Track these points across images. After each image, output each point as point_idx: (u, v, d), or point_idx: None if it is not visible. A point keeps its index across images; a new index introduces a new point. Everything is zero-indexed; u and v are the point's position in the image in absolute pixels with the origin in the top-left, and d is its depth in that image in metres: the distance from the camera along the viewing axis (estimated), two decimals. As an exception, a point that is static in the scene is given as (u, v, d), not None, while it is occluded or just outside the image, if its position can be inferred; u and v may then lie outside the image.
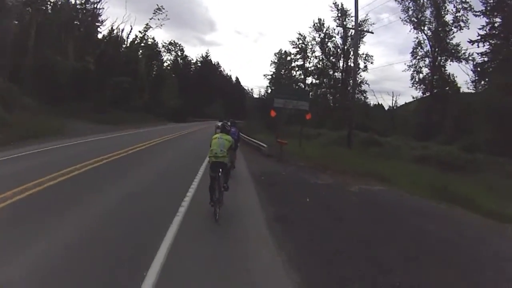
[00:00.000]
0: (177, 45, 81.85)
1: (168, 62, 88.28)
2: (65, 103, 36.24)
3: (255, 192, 12.38)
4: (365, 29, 54.04)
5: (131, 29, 64.46)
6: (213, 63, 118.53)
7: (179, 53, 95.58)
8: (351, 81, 63.84)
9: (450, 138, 38.02)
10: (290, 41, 71.87)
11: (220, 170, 8.24)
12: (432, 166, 25.16)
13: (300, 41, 71.44)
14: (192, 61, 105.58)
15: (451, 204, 12.47)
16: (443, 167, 24.32)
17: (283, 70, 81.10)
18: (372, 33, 48.82)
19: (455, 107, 43.07)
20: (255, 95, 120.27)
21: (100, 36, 51.08)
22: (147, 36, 60.14)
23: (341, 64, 66.08)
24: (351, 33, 62.88)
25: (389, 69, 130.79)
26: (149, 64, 67.43)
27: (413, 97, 55.97)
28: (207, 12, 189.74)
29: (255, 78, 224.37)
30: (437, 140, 38.90)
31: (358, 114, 50.22)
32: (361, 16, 61.11)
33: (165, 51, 78.59)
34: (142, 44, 59.09)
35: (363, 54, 63.09)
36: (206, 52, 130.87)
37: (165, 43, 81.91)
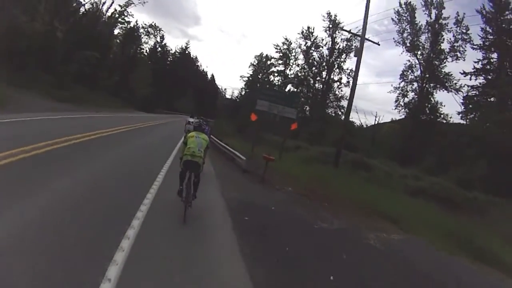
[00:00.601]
0: (158, 29, 74.94)
1: (146, 48, 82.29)
2: (23, 72, 30.81)
3: (239, 254, 6.60)
4: (364, 39, 51.18)
5: (112, 2, 55.95)
6: (192, 57, 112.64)
7: (159, 39, 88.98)
8: (330, 95, 62.11)
9: (435, 168, 35.40)
10: (274, 45, 67.77)
11: (192, 172, 7.86)
12: (429, 200, 21.86)
13: (285, 46, 67.42)
14: (170, 51, 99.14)
15: (488, 266, 10.20)
16: (443, 204, 21.55)
17: (260, 74, 77.80)
18: (379, 44, 44.61)
19: (442, 137, 41.07)
20: (228, 96, 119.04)
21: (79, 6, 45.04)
22: (127, 12, 53.88)
23: (323, 76, 63.32)
24: (340, 46, 61.63)
25: (363, 89, 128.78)
26: (123, 43, 62.20)
27: (392, 119, 54.90)
28: (194, 6, 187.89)
29: (230, 79, 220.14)
30: (420, 167, 36.19)
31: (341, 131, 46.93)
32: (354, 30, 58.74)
33: (144, 34, 71.99)
34: (120, 20, 52.83)
35: (347, 69, 62.20)
36: (186, 44, 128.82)
37: (145, 24, 73.75)
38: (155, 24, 69.20)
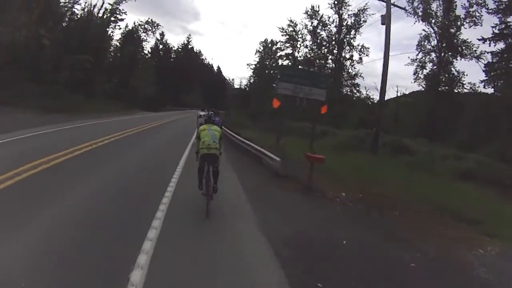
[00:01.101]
0: (155, 25, 68.22)
1: (148, 47, 79.09)
2: (10, 87, 27.90)
3: None
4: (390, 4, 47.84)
5: (103, 3, 47.71)
6: (195, 51, 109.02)
7: (159, 37, 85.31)
8: (344, 73, 58.32)
9: (468, 143, 32.21)
10: (279, 28, 63.01)
11: (211, 165, 7.56)
12: (482, 184, 18.02)
13: (291, 29, 62.89)
14: (173, 48, 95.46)
15: None
16: (499, 188, 17.58)
17: (268, 61, 73.36)
18: (406, 9, 40.24)
19: (468, 109, 38.46)
20: (236, 86, 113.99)
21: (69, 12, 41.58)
22: (120, 10, 48.81)
23: (334, 55, 59.01)
24: (348, 22, 57.13)
25: (370, 66, 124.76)
26: (122, 45, 59.05)
27: (403, 93, 49.85)
28: (192, 2, 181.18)
29: (237, 69, 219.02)
30: (451, 143, 33.25)
31: (363, 110, 43.76)
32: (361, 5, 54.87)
33: (141, 31, 67.18)
34: (112, 18, 48.26)
35: (358, 45, 56.99)
36: (188, 38, 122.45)
37: (141, 21, 67.85)
38: (151, 20, 64.66)
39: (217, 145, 7.59)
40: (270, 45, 73.01)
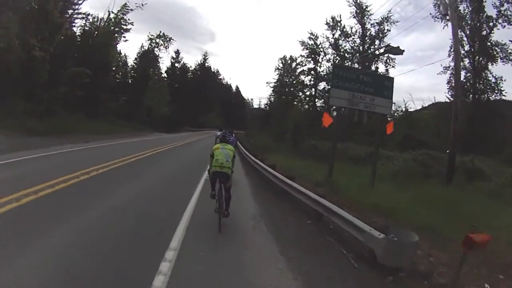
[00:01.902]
0: (168, 39, 60.42)
1: (163, 65, 73.87)
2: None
3: None
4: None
5: (109, 14, 41.69)
6: (212, 70, 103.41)
7: (174, 55, 79.79)
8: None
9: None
10: (299, 41, 56.91)
11: (222, 184, 7.39)
12: None
13: (312, 42, 56.84)
14: (190, 68, 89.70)
15: None
16: None
17: (287, 78, 67.74)
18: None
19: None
20: (255, 105, 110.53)
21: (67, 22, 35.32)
22: (125, 20, 41.91)
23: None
24: (371, 32, 51.43)
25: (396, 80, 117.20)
26: (139, 64, 53.80)
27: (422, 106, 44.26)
28: (207, 24, 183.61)
29: (255, 89, 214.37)
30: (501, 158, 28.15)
31: (403, 124, 37.08)
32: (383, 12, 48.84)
33: (152, 45, 59.93)
34: (117, 29, 41.15)
35: (383, 56, 49.21)
36: (204, 56, 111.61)
37: (152, 35, 60.03)
38: (163, 33, 59.01)
39: (230, 164, 7.48)
40: (289, 61, 67.54)
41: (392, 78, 14.94)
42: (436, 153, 23.14)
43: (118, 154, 16.52)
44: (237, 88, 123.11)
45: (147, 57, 57.09)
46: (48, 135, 21.85)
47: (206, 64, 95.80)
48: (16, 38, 26.81)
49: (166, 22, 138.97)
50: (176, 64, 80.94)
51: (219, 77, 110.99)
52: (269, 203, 10.23)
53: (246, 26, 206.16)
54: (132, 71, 53.25)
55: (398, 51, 14.53)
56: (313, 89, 58.76)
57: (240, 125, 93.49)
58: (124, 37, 40.47)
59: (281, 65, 69.18)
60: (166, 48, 60.07)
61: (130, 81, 50.42)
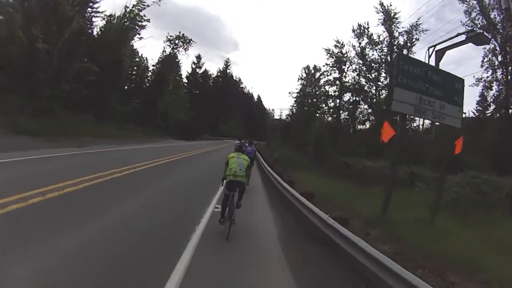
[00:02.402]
0: (187, 41, 55.35)
1: (183, 70, 70.80)
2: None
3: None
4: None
5: (125, 10, 38.55)
6: (234, 78, 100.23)
7: (195, 60, 76.71)
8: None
9: None
10: (325, 49, 53.07)
11: (237, 189, 7.24)
12: None
13: (337, 50, 53.06)
14: (212, 75, 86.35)
15: None
16: None
17: (310, 88, 63.95)
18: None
19: None
20: (276, 117, 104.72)
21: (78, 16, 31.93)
22: (141, 17, 38.18)
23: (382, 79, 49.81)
24: (399, 41, 47.24)
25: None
26: (160, 69, 50.70)
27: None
28: (231, 33, 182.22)
29: (276, 100, 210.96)
30: None
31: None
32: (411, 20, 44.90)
33: (170, 46, 55.53)
34: (132, 25, 37.43)
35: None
36: (226, 62, 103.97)
37: (171, 36, 55.19)
38: (183, 34, 55.10)
39: (243, 173, 7.29)
40: (313, 71, 63.81)
41: (463, 80, 10.80)
42: (486, 176, 19.11)
43: (106, 165, 12.69)
44: (258, 97, 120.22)
45: (168, 60, 54.39)
46: (41, 135, 18.73)
47: (228, 71, 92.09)
48: (19, 29, 23.90)
49: (189, 29, 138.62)
50: (197, 70, 77.81)
51: (241, 86, 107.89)
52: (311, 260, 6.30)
53: (270, 36, 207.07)
54: (151, 75, 50.32)
55: (484, 39, 10.43)
56: (338, 100, 54.68)
57: (260, 135, 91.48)
58: (139, 34, 37.20)
59: (304, 74, 65.50)
60: (185, 50, 55.68)
61: (147, 84, 47.24)
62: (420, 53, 60.80)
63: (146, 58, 51.35)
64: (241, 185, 7.22)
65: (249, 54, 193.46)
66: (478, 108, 37.47)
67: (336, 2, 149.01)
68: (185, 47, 53.86)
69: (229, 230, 6.73)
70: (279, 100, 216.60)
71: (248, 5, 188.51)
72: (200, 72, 78.59)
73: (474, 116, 37.41)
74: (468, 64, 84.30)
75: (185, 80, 68.50)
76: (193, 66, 76.53)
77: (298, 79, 65.44)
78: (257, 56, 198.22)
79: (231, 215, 6.94)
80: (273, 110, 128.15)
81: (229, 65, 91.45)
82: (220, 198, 8.04)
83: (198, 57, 77.99)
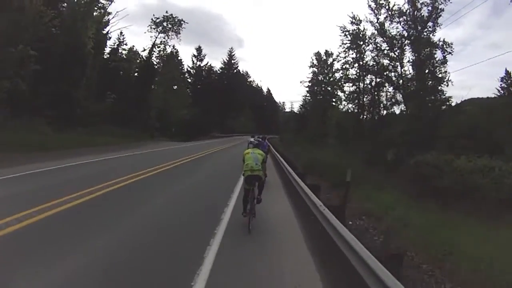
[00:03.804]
0: (177, 23, 43.52)
1: (186, 66, 62.18)
2: None
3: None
4: None
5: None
6: (241, 72, 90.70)
7: (195, 53, 67.43)
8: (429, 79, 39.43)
9: None
10: (340, 27, 43.87)
11: (256, 183, 7.42)
12: None
13: (355, 27, 43.58)
14: (216, 70, 76.74)
15: None
16: None
17: (322, 76, 55.44)
18: None
19: None
20: (287, 109, 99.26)
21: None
22: None
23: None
24: (423, 13, 38.66)
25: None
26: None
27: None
28: (234, 29, 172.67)
29: (286, 93, 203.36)
30: None
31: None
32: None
33: (156, 30, 43.41)
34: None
35: (439, 41, 38.14)
36: (229, 52, 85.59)
37: (156, 18, 44.05)
38: (171, 15, 43.94)
39: (260, 167, 7.36)
40: (324, 57, 55.12)
41: None
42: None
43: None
44: (268, 90, 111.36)
45: (171, 59, 46.20)
46: None
47: (233, 61, 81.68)
48: None
49: (192, 29, 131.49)
50: (198, 63, 68.90)
51: (249, 80, 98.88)
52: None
53: (274, 29, 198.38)
54: (138, 65, 40.55)
55: None
56: (359, 84, 45.83)
57: (272, 129, 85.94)
58: (105, 9, 28.02)
59: (315, 61, 56.49)
60: (177, 35, 44.63)
61: (131, 76, 38.21)
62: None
63: (136, 49, 42.66)
64: (259, 179, 7.38)
65: (255, 50, 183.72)
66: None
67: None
68: (175, 29, 43.32)
69: (249, 223, 6.81)
70: (288, 93, 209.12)
71: (249, 1, 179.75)
72: (202, 65, 69.39)
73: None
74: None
75: (186, 75, 59.84)
76: (194, 59, 67.62)
77: (310, 66, 56.81)
78: (263, 51, 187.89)
79: (252, 210, 7.08)
80: (283, 103, 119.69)
81: (233, 55, 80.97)
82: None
83: (199, 49, 68.67)
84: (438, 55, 37.84)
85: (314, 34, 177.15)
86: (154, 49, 41.82)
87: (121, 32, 39.29)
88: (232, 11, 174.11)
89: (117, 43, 39.04)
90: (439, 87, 36.47)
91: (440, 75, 36.91)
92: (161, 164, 14.97)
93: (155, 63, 41.82)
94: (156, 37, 42.60)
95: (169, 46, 44.52)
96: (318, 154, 23.26)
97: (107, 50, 36.56)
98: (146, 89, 37.13)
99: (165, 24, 42.63)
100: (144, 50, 41.98)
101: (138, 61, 39.41)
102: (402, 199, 11.79)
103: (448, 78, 35.76)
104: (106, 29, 33.17)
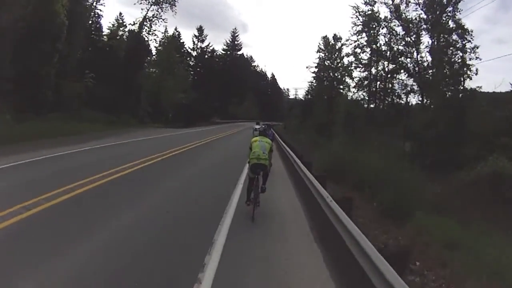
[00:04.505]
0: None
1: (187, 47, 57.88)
2: None
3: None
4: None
5: None
6: (245, 56, 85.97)
7: (197, 33, 62.67)
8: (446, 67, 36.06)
9: None
10: (352, 6, 39.96)
11: (261, 172, 7.04)
12: None
13: (369, 7, 39.91)
14: (218, 53, 72.20)
15: None
16: None
17: (329, 61, 51.11)
18: None
19: None
20: (291, 96, 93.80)
21: None
22: None
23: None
24: None
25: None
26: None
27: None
28: (239, 15, 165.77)
29: (290, 79, 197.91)
30: None
31: None
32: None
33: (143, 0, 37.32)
34: None
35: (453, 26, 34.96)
36: (233, 33, 79.09)
37: None
38: None
39: (266, 156, 7.05)
40: (333, 41, 50.61)
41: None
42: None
43: None
44: (272, 76, 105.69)
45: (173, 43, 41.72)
46: None
47: (236, 42, 76.93)
48: None
49: (196, 15, 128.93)
50: (200, 44, 64.37)
51: (253, 64, 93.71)
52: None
53: (279, 16, 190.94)
54: (126, 43, 34.58)
55: None
56: (372, 70, 42.57)
57: (276, 115, 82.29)
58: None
59: (322, 46, 51.85)
60: (171, 7, 38.35)
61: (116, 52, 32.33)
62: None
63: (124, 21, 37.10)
64: (265, 168, 7.08)
65: (259, 36, 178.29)
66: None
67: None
68: (170, 1, 37.20)
69: (253, 211, 6.62)
70: (293, 80, 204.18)
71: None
72: (203, 46, 64.81)
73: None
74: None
75: (185, 57, 55.51)
76: (195, 39, 63.10)
77: (317, 51, 52.58)
78: (267, 36, 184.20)
79: (256, 198, 6.83)
80: (287, 89, 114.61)
81: (237, 36, 76.19)
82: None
83: (200, 29, 63.84)
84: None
85: (320, 20, 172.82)
86: (145, 23, 36.12)
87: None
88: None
89: (100, 17, 33.21)
90: (464, 77, 32.98)
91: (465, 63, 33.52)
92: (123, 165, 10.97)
93: (147, 39, 36.62)
94: (148, 10, 36.76)
95: (163, 20, 38.36)
96: (335, 148, 18.52)
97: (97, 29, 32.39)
98: (135, 68, 32.57)
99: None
100: (134, 23, 36.42)
101: (125, 38, 34.19)
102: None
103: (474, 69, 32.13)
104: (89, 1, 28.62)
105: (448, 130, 22.07)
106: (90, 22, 31.92)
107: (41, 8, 18.54)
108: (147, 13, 36.27)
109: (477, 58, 32.36)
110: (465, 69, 32.79)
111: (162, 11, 37.50)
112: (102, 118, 24.85)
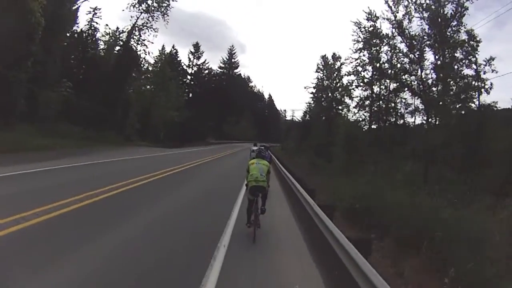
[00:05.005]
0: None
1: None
2: None
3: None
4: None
5: None
6: (243, 76, 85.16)
7: (193, 49, 61.76)
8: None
9: None
10: (354, 22, 38.48)
11: (260, 194, 7.08)
12: None
13: (371, 23, 38.25)
14: (216, 71, 71.19)
15: None
16: None
17: (328, 80, 50.49)
18: None
19: None
20: (288, 118, 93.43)
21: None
22: None
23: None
24: (446, 11, 33.60)
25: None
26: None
27: None
28: (237, 36, 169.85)
29: (287, 101, 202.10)
30: None
31: None
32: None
33: (138, 8, 34.40)
34: None
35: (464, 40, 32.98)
36: (230, 50, 78.40)
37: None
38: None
39: (264, 178, 7.08)
40: (332, 61, 49.90)
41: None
42: None
43: None
44: (270, 97, 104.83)
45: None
46: None
47: (233, 60, 75.81)
48: None
49: (195, 34, 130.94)
50: (195, 60, 62.93)
51: (250, 84, 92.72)
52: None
53: (277, 36, 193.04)
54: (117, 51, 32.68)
55: None
56: (375, 88, 41.01)
57: (274, 137, 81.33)
58: None
59: (321, 66, 51.25)
60: (163, 16, 35.17)
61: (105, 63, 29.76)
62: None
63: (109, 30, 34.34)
64: (263, 190, 7.14)
65: (257, 57, 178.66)
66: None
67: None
68: (162, 10, 34.17)
69: (254, 233, 6.65)
70: (290, 101, 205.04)
71: (252, 7, 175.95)
72: (199, 63, 63.42)
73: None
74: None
75: (178, 75, 53.82)
76: (191, 56, 61.71)
77: (316, 70, 51.38)
78: (265, 57, 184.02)
79: (256, 220, 6.92)
80: (284, 111, 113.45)
81: (234, 54, 75.19)
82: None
83: (196, 46, 62.83)
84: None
85: (317, 42, 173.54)
86: (134, 32, 33.16)
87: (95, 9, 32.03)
88: (235, 17, 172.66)
89: (97, 30, 31.65)
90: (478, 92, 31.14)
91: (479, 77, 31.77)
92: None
93: (136, 49, 33.53)
94: (138, 18, 33.88)
95: (153, 30, 34.84)
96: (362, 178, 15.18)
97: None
98: (123, 80, 29.88)
99: (150, 1, 33.91)
100: (123, 32, 33.74)
101: (115, 51, 31.97)
102: None
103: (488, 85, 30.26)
104: (77, 3, 26.25)
105: (467, 149, 19.85)
106: (85, 35, 30.42)
107: (14, 3, 16.27)
108: (136, 21, 33.60)
109: (493, 71, 30.54)
110: (479, 83, 30.85)
111: (153, 19, 34.67)
112: (78, 133, 22.17)
